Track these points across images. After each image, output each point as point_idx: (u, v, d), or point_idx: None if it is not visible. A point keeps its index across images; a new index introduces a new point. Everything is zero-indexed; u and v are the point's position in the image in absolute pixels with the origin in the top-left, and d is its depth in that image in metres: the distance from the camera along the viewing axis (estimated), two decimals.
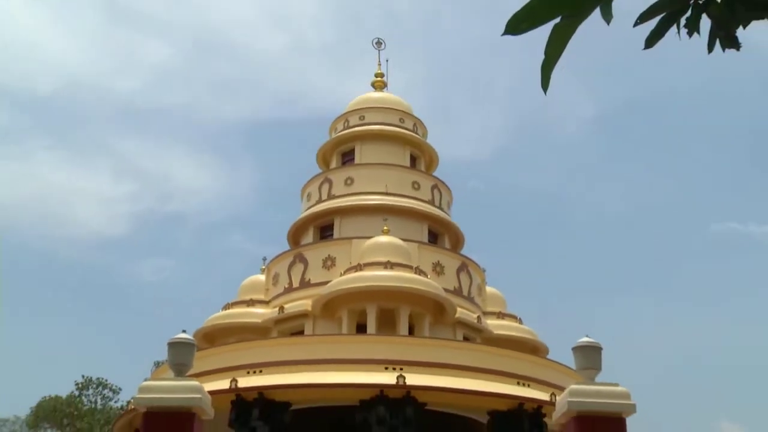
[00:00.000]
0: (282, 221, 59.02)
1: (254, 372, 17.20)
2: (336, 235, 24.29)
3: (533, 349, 23.78)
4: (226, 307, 24.10)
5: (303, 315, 22.09)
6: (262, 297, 23.98)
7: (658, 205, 71.37)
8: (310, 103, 79.19)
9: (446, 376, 17.05)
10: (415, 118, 28.01)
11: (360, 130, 26.73)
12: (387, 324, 21.05)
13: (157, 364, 34.06)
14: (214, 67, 79.04)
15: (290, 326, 22.41)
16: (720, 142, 71.22)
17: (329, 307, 21.57)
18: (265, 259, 25.19)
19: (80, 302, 70.14)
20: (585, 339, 12.10)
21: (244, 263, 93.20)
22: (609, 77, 76.94)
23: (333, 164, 27.10)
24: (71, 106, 78.18)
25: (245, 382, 16.79)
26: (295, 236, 25.91)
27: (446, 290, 21.96)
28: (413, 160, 27.12)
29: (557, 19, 2.59)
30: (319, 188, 25.77)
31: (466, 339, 22.25)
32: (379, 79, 28.84)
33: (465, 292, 23.49)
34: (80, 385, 41.39)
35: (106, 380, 42.07)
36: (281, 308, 22.54)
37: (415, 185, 25.44)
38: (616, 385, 11.86)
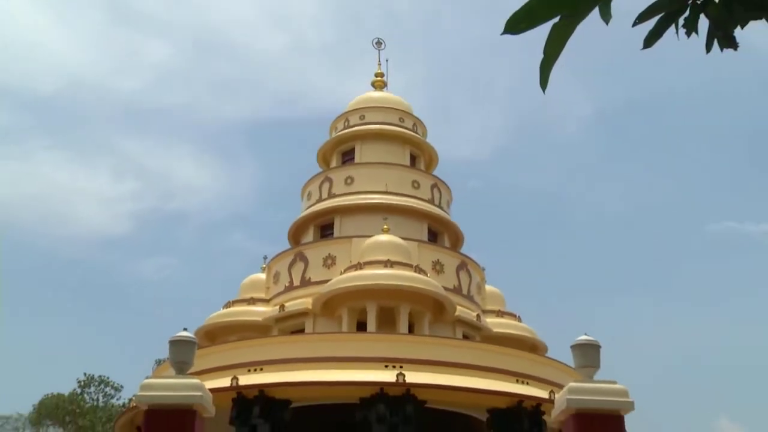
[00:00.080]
0: (282, 220, 59.19)
1: (255, 370, 17.26)
2: (336, 233, 24.38)
3: (532, 347, 23.87)
4: (227, 305, 24.18)
5: (303, 313, 22.17)
6: (262, 295, 24.06)
7: (658, 205, 71.45)
8: (310, 102, 79.30)
9: (446, 374, 17.11)
10: (415, 117, 28.10)
11: (360, 130, 26.82)
12: (387, 322, 21.12)
13: (159, 362, 34.21)
14: (214, 67, 79.16)
15: (291, 324, 22.48)
16: (719, 142, 71.31)
17: (329, 305, 21.65)
18: (265, 257, 25.30)
19: (82, 301, 70.30)
20: (584, 337, 12.11)
21: (245, 262, 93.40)
22: (608, 77, 77.03)
23: (333, 163, 27.19)
24: (72, 106, 78.33)
25: (246, 379, 16.87)
26: (296, 235, 26.01)
27: (446, 289, 22.03)
28: (413, 159, 27.21)
29: (556, 19, 2.61)
30: (320, 187, 25.87)
31: (465, 337, 22.33)
32: (379, 78, 28.93)
33: (464, 291, 23.57)
34: (82, 383, 41.55)
35: (108, 378, 42.26)
36: (282, 306, 22.62)
37: (415, 184, 25.54)
38: (615, 382, 11.88)
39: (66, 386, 42.80)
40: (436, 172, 27.47)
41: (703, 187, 70.75)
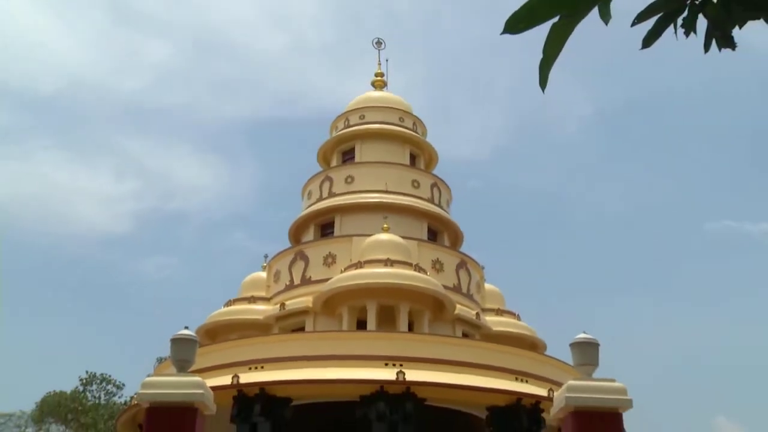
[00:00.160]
0: (283, 219, 59.28)
1: (255, 368, 17.33)
2: (336, 232, 24.47)
3: (531, 345, 23.94)
4: (228, 303, 24.26)
5: (304, 312, 22.25)
6: (263, 294, 24.14)
7: (658, 205, 71.47)
8: (310, 102, 79.33)
9: (445, 372, 17.18)
10: (415, 117, 28.19)
11: (360, 129, 26.91)
12: (387, 320, 21.20)
13: (160, 361, 34.30)
14: (214, 67, 79.20)
15: (291, 323, 22.56)
16: (718, 141, 71.34)
17: (330, 303, 21.74)
18: (266, 256, 25.38)
19: (83, 300, 70.41)
20: (582, 335, 12.11)
21: (246, 261, 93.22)
22: (608, 77, 77.01)
23: (333, 163, 27.28)
24: (73, 106, 78.39)
25: (247, 377, 16.95)
26: (296, 234, 26.10)
27: (445, 287, 22.09)
28: (413, 158, 27.30)
29: (555, 19, 2.62)
30: (320, 186, 25.96)
31: (465, 335, 22.41)
32: (379, 78, 29.02)
33: (464, 289, 23.66)
34: (84, 381, 41.65)
35: (110, 376, 42.35)
36: (282, 305, 22.70)
37: (415, 183, 25.63)
38: (613, 380, 11.90)
39: (68, 384, 42.93)
40: (435, 172, 27.57)
41: (703, 186, 70.84)
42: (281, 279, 23.82)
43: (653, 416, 41.36)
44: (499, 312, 24.89)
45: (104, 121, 77.01)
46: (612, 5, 2.62)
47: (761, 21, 2.72)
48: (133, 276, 72.95)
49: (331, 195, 25.41)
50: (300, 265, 23.29)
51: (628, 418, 11.98)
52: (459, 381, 16.99)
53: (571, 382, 11.88)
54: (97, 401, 41.24)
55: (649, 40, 2.79)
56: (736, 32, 2.77)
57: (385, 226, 22.78)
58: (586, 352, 12.09)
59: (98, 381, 41.82)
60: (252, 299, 23.85)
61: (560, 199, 74.05)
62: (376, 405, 16.45)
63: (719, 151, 71.21)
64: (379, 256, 21.51)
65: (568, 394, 11.60)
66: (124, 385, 42.22)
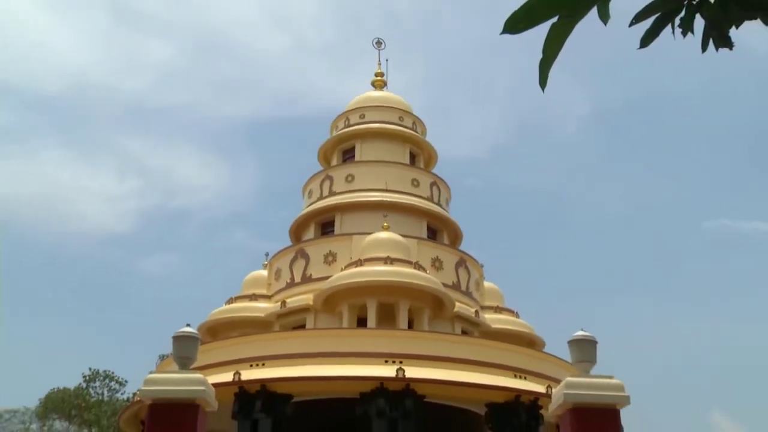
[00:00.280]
0: (283, 218, 59.48)
1: (257, 365, 17.45)
2: (337, 231, 24.59)
3: (530, 342, 24.07)
4: (230, 301, 24.38)
5: (304, 309, 22.36)
6: (264, 292, 24.28)
7: (657, 205, 71.61)
8: (310, 102, 79.57)
9: (445, 369, 17.26)
10: (415, 116, 28.31)
11: (360, 128, 27.04)
12: (387, 318, 21.32)
13: (162, 358, 34.51)
14: (215, 67, 79.47)
15: (292, 320, 22.68)
16: (718, 141, 71.52)
17: (330, 301, 21.87)
18: (267, 254, 25.53)
19: (86, 298, 70.74)
20: (580, 332, 12.13)
21: (247, 259, 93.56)
22: (607, 77, 77.09)
23: (334, 162, 27.42)
24: (76, 106, 78.69)
25: (248, 374, 17.04)
26: (297, 232, 26.25)
27: (445, 285, 22.19)
28: (412, 157, 27.43)
29: (555, 19, 2.64)
30: (321, 185, 26.10)
31: (464, 333, 22.53)
32: (379, 78, 29.14)
33: (463, 287, 23.79)
34: (88, 378, 41.88)
35: (113, 373, 42.59)
36: (283, 303, 22.83)
37: (415, 182, 25.77)
38: (611, 377, 11.94)
39: (72, 381, 43.18)
40: (435, 171, 27.69)
41: (701, 186, 70.99)
42: (282, 277, 23.95)
43: (652, 414, 41.56)
44: (498, 309, 25.03)
45: (106, 120, 77.36)
46: (611, 5, 2.64)
47: (758, 21, 2.74)
48: (136, 274, 73.24)
49: (332, 194, 25.55)
50: (301, 263, 23.42)
51: (627, 416, 12.07)
52: (458, 378, 17.08)
53: (570, 379, 11.93)
54: (100, 398, 41.47)
55: (646, 40, 2.83)
56: (733, 32, 2.79)
57: (385, 224, 22.91)
58: (584, 349, 12.14)
59: (101, 378, 42.05)
60: (253, 297, 23.99)
61: (560, 198, 74.27)
62: (376, 402, 16.54)
63: (719, 150, 71.45)
64: (379, 254, 21.64)
65: (566, 391, 11.64)
66: (126, 381, 42.48)
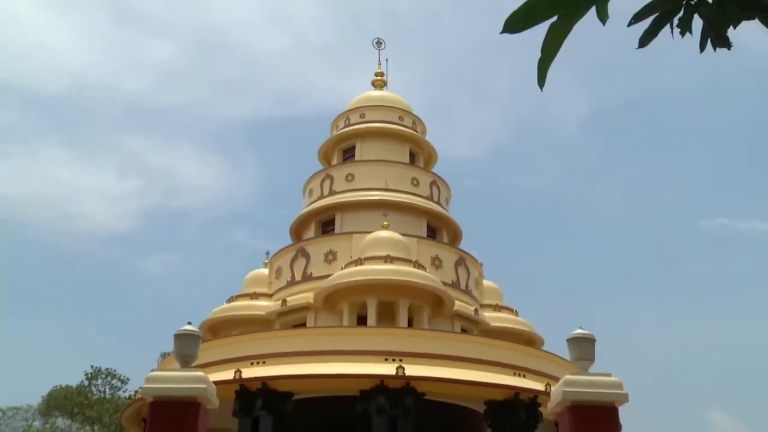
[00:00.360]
0: (284, 217, 59.57)
1: (258, 363, 17.51)
2: (337, 229, 24.68)
3: (529, 340, 24.16)
4: (231, 299, 24.47)
5: (305, 307, 22.45)
6: (265, 290, 24.37)
7: (657, 205, 71.62)
8: (310, 102, 79.63)
9: (444, 366, 17.32)
10: (415, 116, 28.39)
11: (360, 128, 27.13)
12: (387, 316, 21.39)
13: (164, 356, 34.59)
14: (215, 67, 79.50)
15: (293, 318, 22.78)
16: (717, 141, 71.50)
17: (330, 299, 21.96)
18: (268, 253, 25.63)
19: (88, 296, 70.87)
20: (579, 331, 12.10)
21: (248, 258, 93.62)
22: (607, 77, 77.11)
23: (334, 161, 27.50)
24: (76, 105, 78.76)
25: (249, 372, 17.12)
26: (297, 231, 26.34)
27: (444, 283, 22.27)
28: (412, 157, 27.52)
29: (554, 18, 2.65)
30: (321, 184, 26.19)
31: (463, 331, 22.60)
32: (379, 78, 29.22)
33: (463, 286, 23.88)
34: (90, 376, 42.04)
35: (115, 371, 42.76)
36: (284, 301, 22.93)
37: (415, 181, 25.86)
38: (609, 375, 11.92)
39: (74, 379, 43.36)
40: (435, 170, 27.78)
41: (702, 186, 71.00)
42: (283, 275, 24.05)
43: (651, 413, 41.68)
44: (497, 308, 25.11)
45: (106, 120, 77.45)
46: (609, 5, 2.66)
47: (756, 21, 2.74)
48: (136, 273, 73.40)
49: (332, 193, 25.64)
50: (301, 261, 23.52)
51: (627, 415, 12.11)
52: (458, 376, 17.14)
53: (568, 377, 11.92)
54: (102, 395, 41.65)
55: (645, 40, 2.84)
56: (731, 32, 2.80)
57: (385, 223, 23.01)
58: (583, 348, 12.13)
59: (103, 376, 42.23)
60: (254, 295, 24.09)
61: (560, 198, 74.29)
62: (376, 399, 16.62)
63: (719, 150, 71.43)
64: (379, 253, 21.73)
65: (565, 389, 11.63)
66: (128, 379, 42.66)
